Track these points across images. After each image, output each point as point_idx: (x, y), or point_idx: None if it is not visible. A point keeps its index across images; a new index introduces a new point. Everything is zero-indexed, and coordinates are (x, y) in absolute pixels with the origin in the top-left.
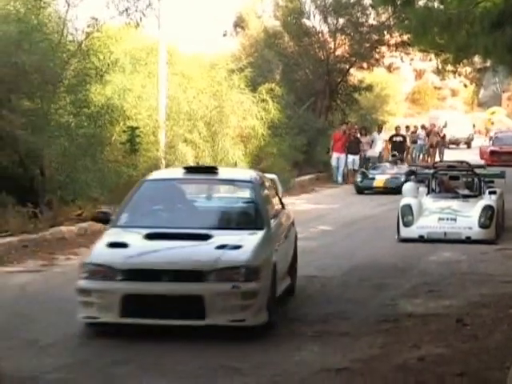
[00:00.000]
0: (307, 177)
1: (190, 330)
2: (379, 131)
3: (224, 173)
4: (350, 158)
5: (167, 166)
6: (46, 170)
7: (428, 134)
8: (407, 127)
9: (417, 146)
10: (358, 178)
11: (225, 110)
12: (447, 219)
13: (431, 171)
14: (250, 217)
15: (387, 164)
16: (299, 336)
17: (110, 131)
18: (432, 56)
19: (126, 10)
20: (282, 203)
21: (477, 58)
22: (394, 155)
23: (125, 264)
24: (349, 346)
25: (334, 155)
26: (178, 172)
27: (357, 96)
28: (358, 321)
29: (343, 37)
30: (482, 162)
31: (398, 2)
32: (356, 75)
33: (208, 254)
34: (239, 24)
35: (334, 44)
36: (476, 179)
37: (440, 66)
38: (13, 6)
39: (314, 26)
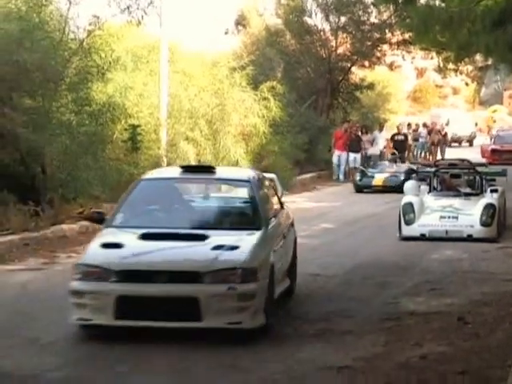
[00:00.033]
0: (309, 175)
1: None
2: (380, 130)
3: (221, 172)
4: (352, 156)
5: (168, 164)
6: (48, 168)
7: (429, 132)
8: (409, 125)
9: (418, 144)
10: (357, 177)
11: (226, 107)
12: (449, 217)
13: (433, 169)
14: (247, 217)
15: (386, 162)
16: (301, 334)
17: (112, 129)
18: (433, 54)
19: (128, 7)
20: (281, 203)
21: (478, 57)
22: (393, 153)
23: (119, 265)
24: (351, 344)
25: (336, 153)
26: (174, 171)
27: (358, 94)
28: (360, 319)
29: (345, 35)
30: (484, 161)
31: (400, 0)
32: (357, 73)
33: (204, 255)
34: (241, 22)
35: (336, 42)
36: (477, 177)
37: (441, 65)
38: (14, 3)
39: (315, 24)
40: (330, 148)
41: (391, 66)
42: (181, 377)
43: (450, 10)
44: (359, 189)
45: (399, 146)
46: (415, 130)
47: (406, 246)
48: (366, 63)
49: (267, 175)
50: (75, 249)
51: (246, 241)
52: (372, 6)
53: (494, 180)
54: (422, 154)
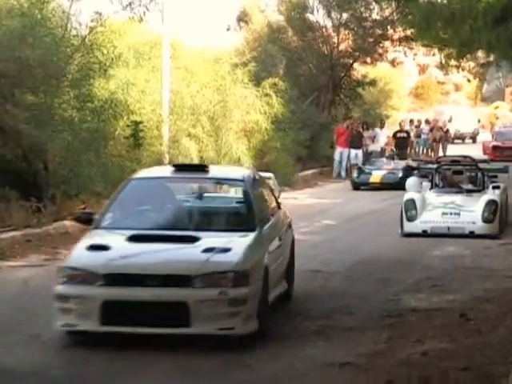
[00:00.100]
0: (310, 171)
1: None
2: (381, 127)
3: (215, 171)
4: (353, 152)
5: (171, 160)
6: (50, 164)
7: (431, 129)
8: (411, 121)
9: (420, 141)
10: (355, 174)
11: (228, 104)
12: (451, 214)
13: (435, 166)
14: (240, 218)
15: (384, 159)
16: (303, 331)
17: (114, 126)
18: (435, 51)
19: (130, 4)
20: (277, 203)
21: (480, 53)
22: (391, 150)
23: (105, 268)
24: (352, 341)
25: (338, 150)
26: (166, 170)
27: (360, 91)
28: (362, 316)
29: (347, 31)
30: (486, 157)
31: None
32: (359, 70)
33: (194, 258)
34: (243, 18)
35: (338, 39)
36: (479, 174)
37: (443, 61)
38: (16, 0)
39: (317, 21)
40: (332, 144)
41: (393, 63)
42: (183, 375)
43: (452, 7)
44: (356, 186)
45: (401, 143)
46: (417, 127)
47: (407, 242)
48: (368, 60)
49: (264, 174)
50: None
51: (238, 243)
52: (374, 3)
53: (496, 176)
54: (424, 151)
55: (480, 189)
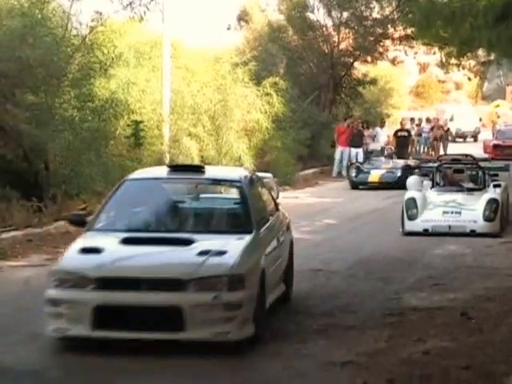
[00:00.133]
0: (311, 170)
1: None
2: (381, 126)
3: (211, 172)
4: (354, 151)
5: (171, 159)
6: (51, 164)
7: (432, 128)
8: (412, 120)
9: (421, 140)
10: (353, 173)
11: (229, 103)
12: (452, 212)
13: (435, 164)
14: (237, 219)
15: (382, 158)
16: (304, 329)
17: (114, 125)
18: (436, 49)
19: (130, 3)
20: (276, 204)
21: (481, 52)
22: (389, 148)
23: (97, 271)
24: (354, 340)
25: (339, 149)
26: (161, 171)
27: (361, 89)
28: (363, 314)
29: (347, 30)
30: (486, 156)
31: None
32: (360, 69)
33: (188, 261)
34: (243, 18)
35: (338, 38)
36: (480, 172)
37: (444, 60)
38: (17, 0)
39: (318, 20)
40: (334, 143)
41: (394, 62)
42: (183, 374)
43: (452, 5)
44: (355, 185)
45: (402, 141)
46: (418, 125)
47: (408, 241)
48: (369, 58)
49: (263, 175)
50: None
51: (234, 245)
52: (374, 2)
53: (497, 175)
54: (425, 150)
55: (481, 187)
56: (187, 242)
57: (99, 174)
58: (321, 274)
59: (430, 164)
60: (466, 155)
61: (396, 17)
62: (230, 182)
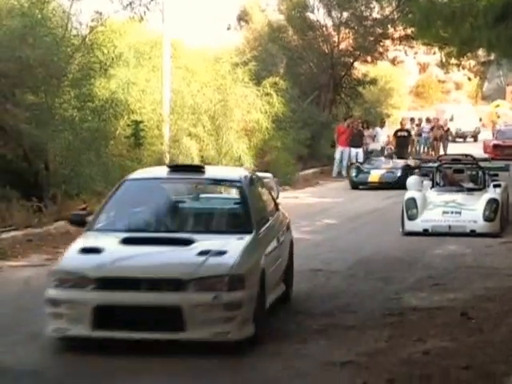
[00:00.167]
0: (311, 170)
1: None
2: (381, 126)
3: (211, 172)
4: (354, 151)
5: (171, 159)
6: (51, 164)
7: (432, 128)
8: (412, 120)
9: (421, 139)
10: (353, 173)
11: (229, 103)
12: (452, 212)
13: (435, 164)
14: (237, 219)
15: (382, 158)
16: (304, 329)
17: (114, 125)
18: (436, 49)
19: (130, 3)
20: (276, 204)
21: (481, 52)
22: (389, 148)
23: (97, 271)
24: (354, 340)
25: (339, 149)
26: (161, 171)
27: (361, 89)
28: (363, 314)
29: (347, 30)
30: (486, 156)
31: None
32: (360, 69)
33: (188, 261)
34: (243, 18)
35: (338, 38)
36: (480, 172)
37: (444, 60)
38: (17, 0)
39: (318, 20)
40: (334, 143)
41: (394, 61)
42: (183, 374)
43: (452, 5)
44: (355, 185)
45: (402, 141)
46: (418, 125)
47: (408, 241)
48: (369, 58)
49: (263, 174)
50: None
51: (234, 245)
52: (374, 2)
53: (497, 175)
54: (425, 150)
55: (481, 187)
56: (187, 242)
57: (99, 173)
58: (321, 274)
59: (430, 164)
60: (466, 155)
61: (396, 17)
62: (230, 182)
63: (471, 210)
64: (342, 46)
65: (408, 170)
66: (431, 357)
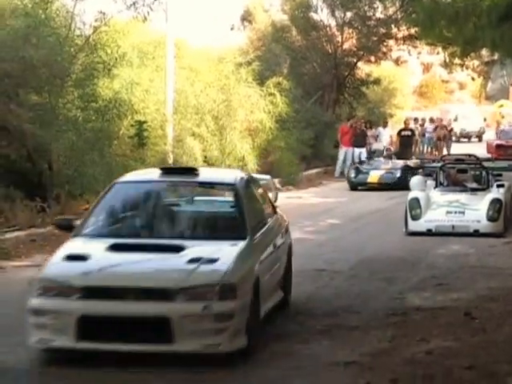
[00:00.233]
0: (315, 170)
1: None
2: (384, 126)
3: (205, 174)
4: (357, 151)
5: (175, 160)
6: (54, 164)
7: (436, 128)
8: (415, 119)
9: (424, 139)
10: (352, 174)
11: (232, 103)
12: (455, 212)
13: (439, 164)
14: (231, 224)
15: (382, 159)
16: (307, 329)
17: (118, 125)
18: (439, 49)
19: (134, 3)
20: (273, 207)
21: (484, 51)
22: (388, 149)
23: (82, 280)
24: (357, 340)
25: (342, 149)
26: (153, 173)
27: (364, 89)
28: (367, 314)
29: (351, 30)
30: (490, 156)
31: None
32: (363, 69)
33: (178, 269)
34: (246, 18)
35: (342, 38)
36: (484, 172)
37: (447, 60)
38: (20, 0)
39: (321, 20)
40: (337, 143)
41: (397, 61)
42: (184, 374)
43: (456, 5)
44: (354, 186)
45: (406, 141)
46: (422, 125)
47: (412, 241)
48: (372, 58)
49: (261, 176)
50: None
51: (226, 252)
52: (378, 2)
53: (501, 175)
54: (429, 149)
55: (484, 187)
56: (177, 249)
57: (103, 174)
58: (324, 274)
59: (434, 164)
60: (470, 155)
61: (399, 17)
62: (223, 185)
63: (475, 209)
64: (346, 45)
65: (408, 171)
66: (434, 357)
